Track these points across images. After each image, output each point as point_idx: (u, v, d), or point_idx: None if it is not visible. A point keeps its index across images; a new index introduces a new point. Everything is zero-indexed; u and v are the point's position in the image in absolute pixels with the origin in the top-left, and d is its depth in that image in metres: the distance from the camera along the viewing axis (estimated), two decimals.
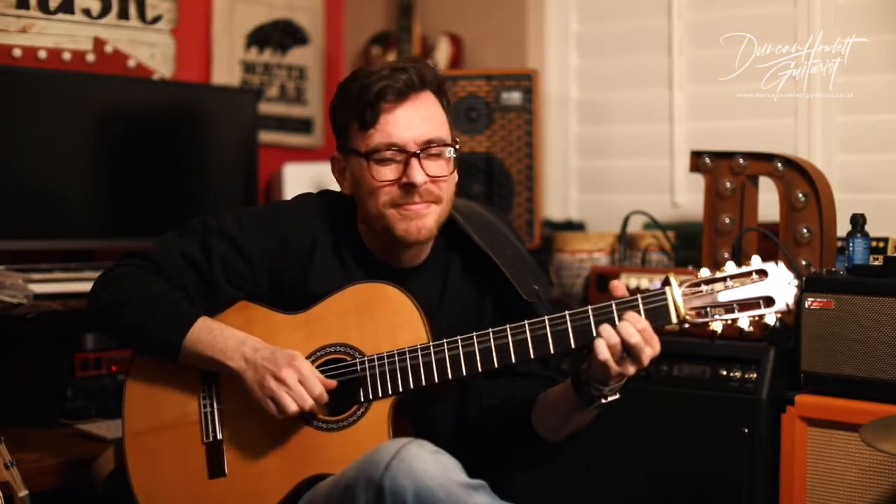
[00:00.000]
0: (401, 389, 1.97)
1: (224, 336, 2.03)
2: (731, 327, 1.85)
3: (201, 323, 2.05)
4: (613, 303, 1.87)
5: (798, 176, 2.63)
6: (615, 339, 1.82)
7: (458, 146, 2.06)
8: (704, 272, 1.87)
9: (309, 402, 1.96)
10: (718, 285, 1.84)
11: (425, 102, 2.03)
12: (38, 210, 3.03)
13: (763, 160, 2.70)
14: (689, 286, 1.85)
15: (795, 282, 1.83)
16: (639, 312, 1.85)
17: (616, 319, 1.85)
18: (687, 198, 3.27)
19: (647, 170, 3.37)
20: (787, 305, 1.83)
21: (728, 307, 1.84)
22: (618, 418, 2.63)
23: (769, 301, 1.83)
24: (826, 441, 2.37)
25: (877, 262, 2.46)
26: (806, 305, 2.39)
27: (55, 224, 3.07)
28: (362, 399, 1.99)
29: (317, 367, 2.02)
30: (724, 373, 2.54)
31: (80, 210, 3.11)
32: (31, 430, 2.71)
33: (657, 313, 1.84)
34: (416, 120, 2.00)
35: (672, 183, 3.30)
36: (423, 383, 1.96)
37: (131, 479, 2.11)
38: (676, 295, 1.84)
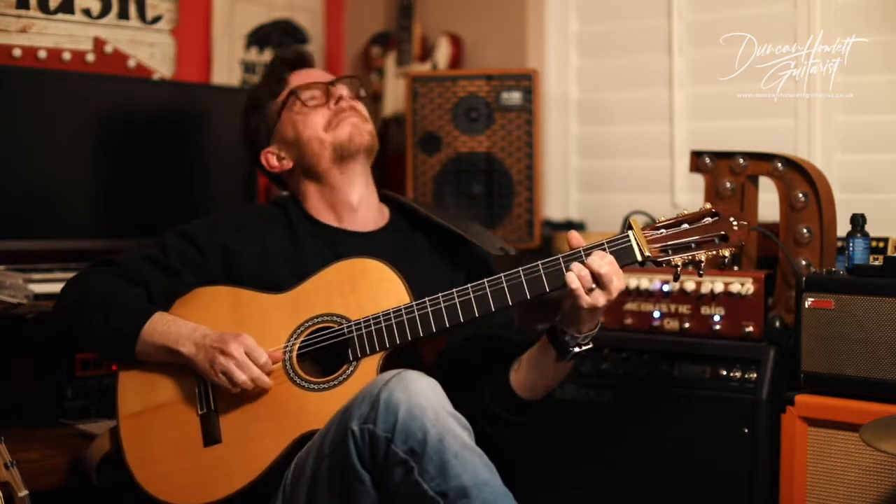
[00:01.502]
0: (388, 345, 2.06)
1: (177, 325, 2.14)
2: (692, 262, 2.02)
3: (158, 317, 2.16)
4: (581, 249, 2.03)
5: (798, 176, 2.63)
6: (584, 271, 1.98)
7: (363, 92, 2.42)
8: (662, 217, 2.07)
9: (255, 371, 2.06)
10: (676, 227, 2.04)
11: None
12: (38, 210, 3.03)
13: (763, 160, 2.70)
14: (651, 229, 2.05)
15: (745, 223, 2.03)
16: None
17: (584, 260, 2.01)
18: (687, 198, 3.26)
19: (647, 170, 3.37)
20: (739, 240, 2.01)
21: (686, 246, 2.03)
22: (618, 417, 2.65)
23: (723, 238, 2.03)
24: (826, 441, 2.36)
25: (877, 262, 2.46)
26: (806, 305, 2.39)
27: (55, 224, 3.07)
28: (351, 358, 2.07)
29: (306, 336, 2.12)
30: (724, 373, 2.54)
31: (80, 210, 3.12)
32: (32, 430, 2.71)
33: (622, 253, 2.02)
34: (317, 72, 2.40)
35: (672, 183, 3.30)
36: (409, 337, 2.06)
37: (126, 457, 2.16)
38: (639, 236, 2.03)
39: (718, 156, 2.77)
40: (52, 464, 2.46)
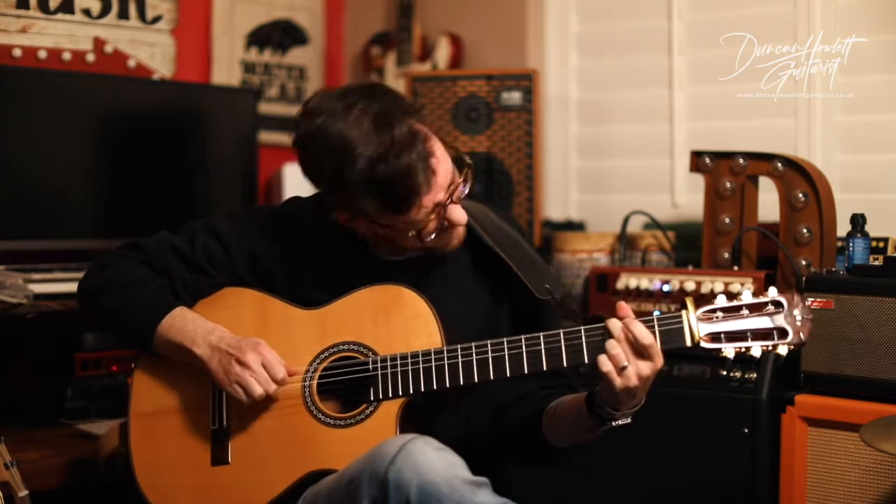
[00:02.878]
0: (411, 391, 1.98)
1: (195, 324, 2.06)
2: (744, 354, 1.87)
3: (178, 312, 2.09)
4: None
5: (798, 176, 2.63)
6: (616, 350, 1.86)
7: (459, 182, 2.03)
8: (721, 300, 1.88)
9: (272, 386, 1.99)
10: (734, 314, 1.87)
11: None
12: (38, 210, 3.03)
13: (763, 160, 2.70)
14: (705, 312, 1.88)
15: (810, 316, 1.86)
16: (654, 333, 1.88)
17: None
18: (687, 198, 3.26)
19: (647, 170, 3.37)
20: (801, 338, 1.85)
21: (741, 335, 1.86)
22: None
23: (783, 333, 1.85)
24: (826, 441, 2.37)
25: (877, 262, 2.46)
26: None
27: (55, 224, 3.07)
28: (372, 398, 2.00)
29: (329, 364, 2.04)
30: (724, 373, 2.54)
31: (80, 210, 3.11)
32: (31, 430, 2.71)
33: (672, 335, 1.88)
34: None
35: (672, 183, 3.30)
36: (435, 387, 1.97)
37: (133, 460, 2.11)
38: (692, 319, 1.87)
39: (718, 156, 2.77)
40: (52, 464, 2.46)
